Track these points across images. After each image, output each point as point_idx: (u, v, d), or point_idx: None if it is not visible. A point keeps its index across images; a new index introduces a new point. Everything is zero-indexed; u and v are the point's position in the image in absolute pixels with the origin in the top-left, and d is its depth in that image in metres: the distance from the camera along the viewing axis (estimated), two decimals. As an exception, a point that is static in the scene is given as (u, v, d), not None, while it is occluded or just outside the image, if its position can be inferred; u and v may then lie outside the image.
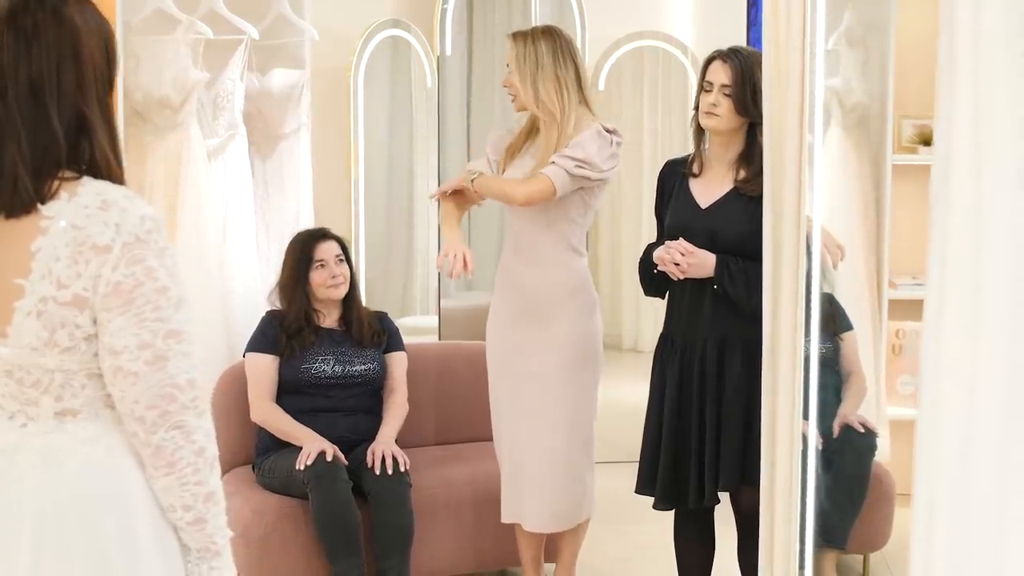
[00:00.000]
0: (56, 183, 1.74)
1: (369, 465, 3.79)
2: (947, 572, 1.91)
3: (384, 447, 3.83)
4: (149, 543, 1.79)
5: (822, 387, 3.38)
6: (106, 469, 1.78)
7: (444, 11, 5.30)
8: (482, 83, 5.65)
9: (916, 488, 1.95)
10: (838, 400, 3.78)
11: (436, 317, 5.42)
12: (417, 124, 5.48)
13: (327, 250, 4.05)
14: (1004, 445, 1.84)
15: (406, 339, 4.24)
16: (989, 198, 1.78)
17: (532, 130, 3.68)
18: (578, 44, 5.62)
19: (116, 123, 1.83)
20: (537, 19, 5.49)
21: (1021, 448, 1.82)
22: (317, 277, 4.03)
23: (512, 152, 3.68)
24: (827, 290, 3.39)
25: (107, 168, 1.78)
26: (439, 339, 5.34)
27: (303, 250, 4.07)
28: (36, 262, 1.71)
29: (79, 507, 1.75)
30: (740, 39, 5.22)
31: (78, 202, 1.73)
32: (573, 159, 3.46)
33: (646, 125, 5.83)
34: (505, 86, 3.65)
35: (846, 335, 3.82)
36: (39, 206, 1.72)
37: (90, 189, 1.75)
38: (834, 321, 3.71)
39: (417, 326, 5.39)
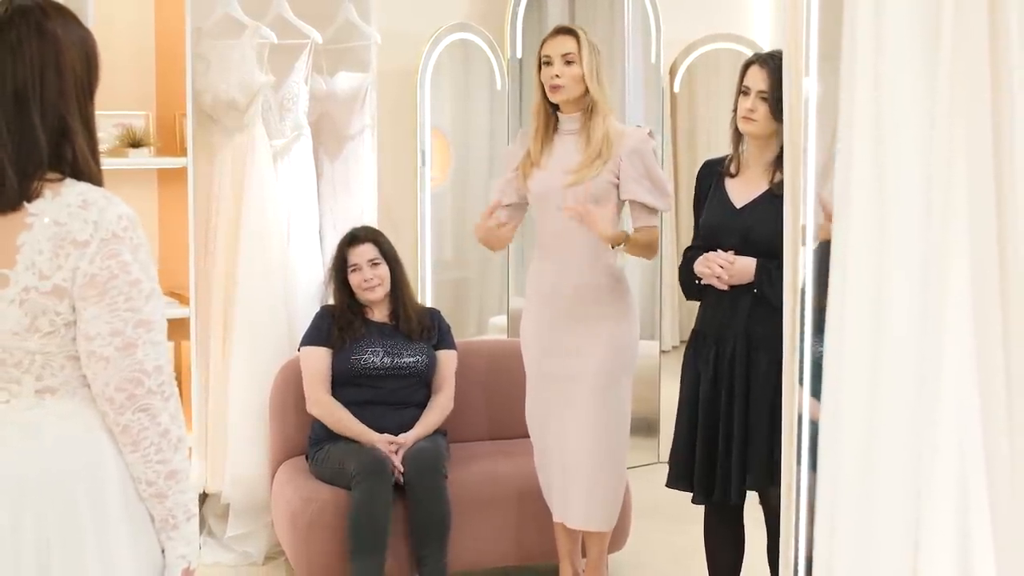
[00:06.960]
0: (40, 183, 1.90)
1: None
2: None
3: (403, 444, 3.98)
4: (118, 510, 1.95)
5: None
6: (82, 442, 1.95)
7: (515, 14, 5.38)
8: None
9: (819, 498, 1.96)
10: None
11: (505, 316, 5.49)
12: (488, 125, 5.53)
13: (360, 254, 4.19)
14: (906, 455, 1.85)
15: (501, 337, 4.31)
16: (892, 205, 1.78)
17: (547, 129, 3.72)
18: (654, 46, 5.71)
19: (96, 128, 1.99)
20: (628, 22, 5.54)
21: (925, 463, 1.82)
22: (353, 280, 4.18)
23: (534, 160, 3.73)
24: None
25: (88, 170, 1.94)
26: (507, 337, 5.39)
27: (339, 254, 4.24)
28: (21, 255, 1.88)
29: (56, 477, 1.91)
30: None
31: (61, 201, 1.89)
32: (663, 186, 3.68)
33: (721, 128, 5.79)
34: (557, 75, 3.62)
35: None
36: (25, 204, 1.88)
37: (72, 190, 1.91)
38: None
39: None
